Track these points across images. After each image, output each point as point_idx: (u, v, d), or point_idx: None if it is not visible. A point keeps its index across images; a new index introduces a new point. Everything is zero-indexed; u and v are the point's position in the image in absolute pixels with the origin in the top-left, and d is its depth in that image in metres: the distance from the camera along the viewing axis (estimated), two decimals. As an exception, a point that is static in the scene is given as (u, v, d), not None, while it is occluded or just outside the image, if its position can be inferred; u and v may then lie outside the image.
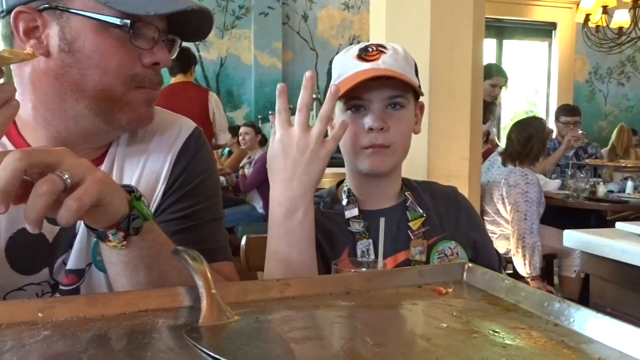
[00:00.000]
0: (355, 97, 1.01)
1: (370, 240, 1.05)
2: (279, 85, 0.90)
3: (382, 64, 1.00)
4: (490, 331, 0.53)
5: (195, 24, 0.83)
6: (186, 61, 3.50)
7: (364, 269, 0.86)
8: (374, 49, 1.04)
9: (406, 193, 1.11)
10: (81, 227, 0.82)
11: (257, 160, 4.17)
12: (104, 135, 0.84)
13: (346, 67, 1.04)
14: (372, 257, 1.02)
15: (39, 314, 0.56)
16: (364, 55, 1.03)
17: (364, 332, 0.53)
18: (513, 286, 0.64)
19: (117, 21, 0.75)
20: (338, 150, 3.19)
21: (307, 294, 0.65)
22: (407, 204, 1.10)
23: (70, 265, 0.82)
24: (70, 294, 0.81)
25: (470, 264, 0.71)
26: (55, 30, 0.75)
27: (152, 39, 0.78)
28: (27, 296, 0.81)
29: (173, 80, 3.49)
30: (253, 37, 6.39)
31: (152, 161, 0.87)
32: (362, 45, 1.06)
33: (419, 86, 1.06)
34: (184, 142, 0.90)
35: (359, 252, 1.05)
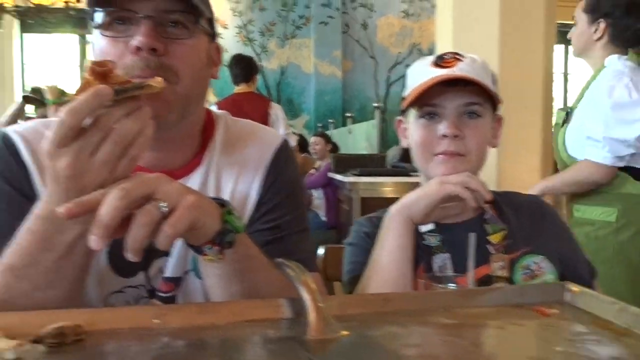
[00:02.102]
0: (429, 103, 0.99)
1: (448, 255, 1.02)
2: None
3: (459, 71, 0.98)
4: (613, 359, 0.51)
5: None
6: (249, 70, 3.57)
7: (451, 285, 0.85)
8: (451, 56, 1.02)
9: (484, 205, 1.09)
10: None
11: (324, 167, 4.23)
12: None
13: (421, 74, 1.02)
14: (450, 272, 1.01)
15: (154, 320, 0.58)
16: (440, 62, 1.01)
17: (477, 354, 0.52)
18: (623, 309, 0.62)
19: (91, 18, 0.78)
20: (403, 159, 3.17)
21: (406, 309, 0.65)
22: (486, 216, 1.07)
23: (167, 273, 0.85)
24: (167, 301, 0.84)
25: (574, 287, 0.69)
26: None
27: (123, 23, 0.77)
28: (126, 298, 0.84)
29: (236, 89, 3.57)
30: (313, 46, 6.47)
31: (245, 173, 0.89)
32: (438, 54, 1.05)
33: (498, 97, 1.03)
34: (275, 153, 0.92)
35: (435, 267, 1.03)
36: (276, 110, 3.62)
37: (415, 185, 1.07)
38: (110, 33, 0.77)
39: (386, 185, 3.70)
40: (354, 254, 1.07)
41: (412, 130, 1.04)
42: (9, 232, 0.70)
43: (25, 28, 6.29)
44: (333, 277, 1.25)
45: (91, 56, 0.84)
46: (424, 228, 1.05)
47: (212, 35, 0.87)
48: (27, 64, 6.50)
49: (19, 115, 3.25)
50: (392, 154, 4.70)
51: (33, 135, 0.82)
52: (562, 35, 2.39)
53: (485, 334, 0.58)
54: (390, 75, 6.65)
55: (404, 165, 3.91)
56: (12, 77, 6.16)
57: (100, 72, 0.59)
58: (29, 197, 0.78)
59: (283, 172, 0.92)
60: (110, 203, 0.56)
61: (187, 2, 0.77)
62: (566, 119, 1.83)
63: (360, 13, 6.65)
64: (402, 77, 1.11)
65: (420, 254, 1.03)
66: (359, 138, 5.12)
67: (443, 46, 2.73)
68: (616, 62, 1.70)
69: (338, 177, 4.14)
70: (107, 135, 0.59)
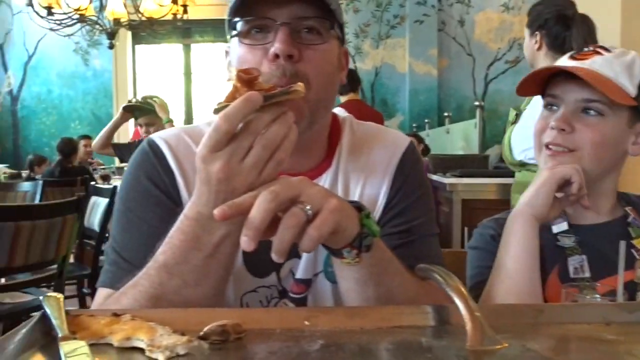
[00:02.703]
0: (550, 94, 0.98)
1: (584, 257, 0.97)
2: None
3: (589, 65, 0.94)
4: None
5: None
6: (354, 81, 3.69)
7: (596, 296, 0.79)
8: (592, 49, 0.98)
9: (626, 208, 1.02)
10: None
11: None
12: None
13: (556, 63, 1.00)
14: (586, 274, 0.95)
15: (305, 322, 0.59)
16: (577, 55, 0.98)
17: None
18: None
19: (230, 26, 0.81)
20: (502, 159, 2.97)
21: (561, 321, 0.61)
22: (629, 219, 1.00)
23: (299, 274, 0.86)
24: (299, 302, 0.86)
25: None
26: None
27: (261, 31, 0.79)
28: (259, 298, 0.87)
29: (344, 99, 3.66)
30: (408, 45, 6.38)
31: (373, 176, 0.89)
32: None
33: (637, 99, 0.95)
34: (402, 156, 0.91)
35: (570, 269, 0.98)
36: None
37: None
38: (248, 41, 0.80)
39: (488, 186, 3.56)
40: (479, 258, 1.04)
41: (538, 119, 1.02)
42: (159, 233, 0.75)
43: (136, 40, 6.77)
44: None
45: (229, 64, 0.88)
46: (557, 229, 1.00)
47: (342, 40, 0.87)
48: (137, 74, 6.99)
49: (119, 124, 3.47)
50: (494, 154, 4.52)
51: (176, 142, 0.87)
52: None
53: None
54: (489, 72, 6.40)
55: (504, 165, 3.78)
56: (125, 86, 6.65)
57: (247, 79, 0.61)
58: (175, 200, 0.83)
59: (411, 175, 0.91)
60: (261, 206, 0.58)
61: (324, 8, 0.78)
62: (515, 120, 2.03)
63: (457, 9, 6.47)
64: (502, 73, 1.06)
65: (554, 256, 0.99)
66: (456, 138, 4.98)
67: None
68: None
69: (437, 178, 4.05)
70: (256, 140, 0.61)
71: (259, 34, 0.79)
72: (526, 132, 1.80)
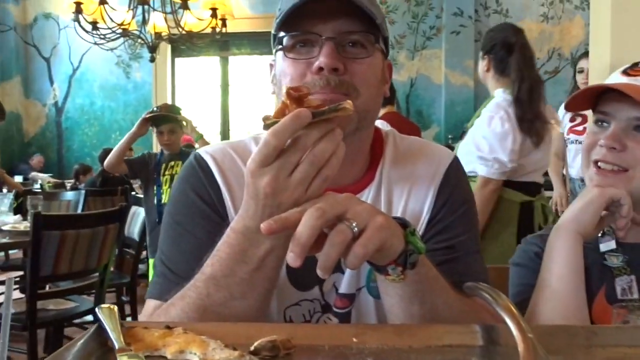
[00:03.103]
0: (600, 110, 0.96)
1: (633, 277, 0.94)
2: None
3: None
4: None
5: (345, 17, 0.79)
6: (391, 93, 3.64)
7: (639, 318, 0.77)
8: None
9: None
10: None
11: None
12: None
13: (607, 80, 0.97)
14: (635, 295, 0.92)
15: (354, 339, 0.59)
16: (630, 70, 0.96)
17: None
18: None
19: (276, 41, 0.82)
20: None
21: (616, 344, 0.59)
22: None
23: (342, 289, 0.86)
24: (343, 317, 0.86)
25: None
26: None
27: (306, 45, 0.80)
28: (302, 312, 0.87)
29: (382, 111, 3.65)
30: (444, 56, 6.34)
31: (416, 190, 0.88)
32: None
33: None
34: (446, 171, 0.90)
35: (618, 290, 0.94)
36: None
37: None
38: (293, 55, 0.81)
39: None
40: (522, 276, 1.02)
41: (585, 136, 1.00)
42: (206, 245, 0.76)
43: (176, 53, 6.94)
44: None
45: (273, 77, 0.89)
46: (604, 247, 0.97)
47: (386, 53, 0.88)
48: (176, 86, 7.15)
49: (138, 135, 3.20)
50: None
51: (222, 156, 0.88)
52: None
53: None
54: (527, 83, 6.30)
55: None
56: (164, 97, 6.80)
57: (296, 96, 0.62)
58: (221, 213, 0.84)
59: (456, 190, 0.90)
60: (307, 223, 0.58)
61: (369, 22, 0.78)
62: (461, 136, 2.29)
63: (495, 20, 6.39)
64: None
65: (601, 276, 0.96)
66: (493, 150, 4.91)
67: (597, 49, 2.52)
68: (500, 95, 2.16)
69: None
70: (304, 156, 0.62)
71: (304, 48, 0.80)
72: (467, 148, 2.15)
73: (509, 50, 2.14)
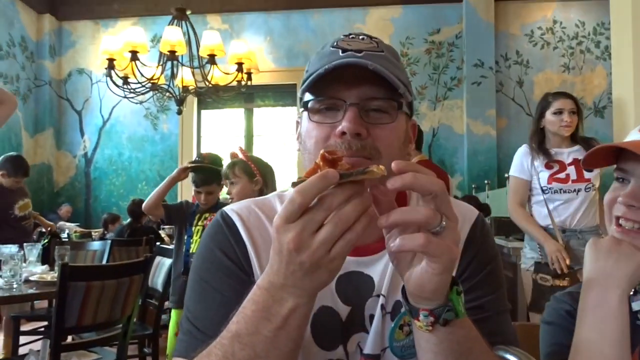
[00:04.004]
0: (620, 168, 0.96)
1: None
2: None
3: None
4: None
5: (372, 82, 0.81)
6: (419, 140, 3.71)
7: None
8: None
9: None
10: (377, 312, 0.85)
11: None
12: None
13: (626, 138, 0.97)
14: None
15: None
16: None
17: None
18: None
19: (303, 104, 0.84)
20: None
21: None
22: None
23: (367, 350, 0.85)
24: (368, 377, 0.84)
25: None
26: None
27: (330, 109, 0.82)
28: (328, 372, 0.86)
29: (415, 160, 3.69)
30: (465, 106, 6.39)
31: None
32: None
33: None
34: (470, 230, 0.90)
35: (653, 353, 0.91)
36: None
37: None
38: (318, 118, 0.83)
39: (555, 251, 3.41)
40: (554, 335, 0.99)
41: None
42: (232, 303, 0.76)
43: (202, 105, 7.13)
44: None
45: (299, 135, 0.90)
46: (637, 306, 0.94)
47: (411, 114, 0.89)
48: (202, 137, 7.31)
49: (176, 181, 3.19)
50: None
51: (247, 214, 0.89)
52: None
53: None
54: (550, 132, 6.28)
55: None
56: (190, 148, 6.96)
57: (330, 159, 0.63)
58: (246, 271, 0.85)
59: (482, 248, 0.89)
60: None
61: (393, 89, 0.80)
62: None
63: (515, 70, 6.46)
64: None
65: (635, 336, 0.92)
66: (518, 199, 4.84)
67: (620, 99, 2.51)
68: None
69: (499, 241, 3.92)
70: (329, 216, 0.63)
71: (329, 112, 0.82)
72: None
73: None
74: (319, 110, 0.83)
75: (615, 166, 0.97)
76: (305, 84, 0.82)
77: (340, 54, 0.82)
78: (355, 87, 0.80)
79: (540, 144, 2.87)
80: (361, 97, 0.80)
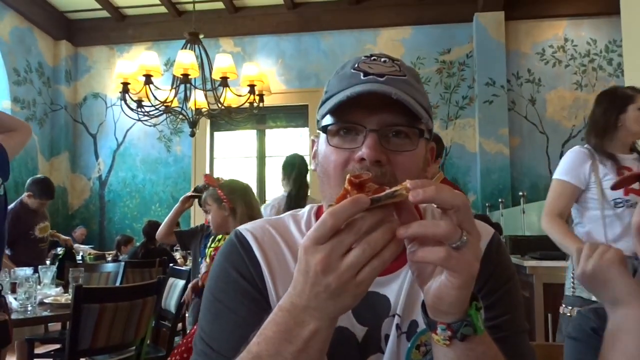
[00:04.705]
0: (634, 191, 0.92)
1: None
2: None
3: None
4: None
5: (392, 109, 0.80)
6: (439, 148, 3.69)
7: None
8: None
9: None
10: (392, 332, 0.84)
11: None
12: None
13: None
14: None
15: None
16: None
17: None
18: None
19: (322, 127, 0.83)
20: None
21: None
22: None
23: None
24: (388, 399, 0.83)
25: None
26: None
27: (349, 133, 0.81)
28: (344, 394, 0.84)
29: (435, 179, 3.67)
30: (477, 125, 6.38)
31: None
32: None
33: None
34: (486, 249, 0.88)
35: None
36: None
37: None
38: (336, 142, 0.82)
39: (572, 270, 3.36)
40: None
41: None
42: (247, 323, 0.76)
43: (214, 127, 7.20)
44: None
45: (314, 154, 0.90)
46: None
47: (430, 138, 0.88)
48: (215, 158, 7.36)
49: (182, 211, 3.46)
50: (576, 235, 4.28)
51: (261, 233, 0.89)
52: None
53: None
54: (564, 149, 6.23)
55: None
56: (203, 169, 7.00)
57: (357, 182, 0.63)
58: (261, 290, 0.84)
59: (498, 267, 0.87)
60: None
61: (414, 115, 0.79)
62: None
63: (527, 89, 6.45)
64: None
65: None
66: (532, 218, 4.79)
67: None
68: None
69: (514, 260, 3.87)
70: (357, 240, 0.61)
71: (348, 136, 0.81)
72: None
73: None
74: (337, 132, 0.82)
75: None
76: (326, 108, 0.82)
77: (362, 77, 0.81)
78: (376, 113, 0.79)
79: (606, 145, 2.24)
80: (382, 123, 0.79)
